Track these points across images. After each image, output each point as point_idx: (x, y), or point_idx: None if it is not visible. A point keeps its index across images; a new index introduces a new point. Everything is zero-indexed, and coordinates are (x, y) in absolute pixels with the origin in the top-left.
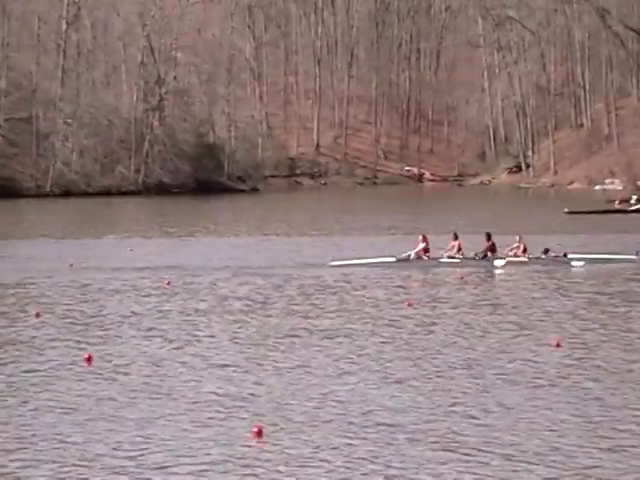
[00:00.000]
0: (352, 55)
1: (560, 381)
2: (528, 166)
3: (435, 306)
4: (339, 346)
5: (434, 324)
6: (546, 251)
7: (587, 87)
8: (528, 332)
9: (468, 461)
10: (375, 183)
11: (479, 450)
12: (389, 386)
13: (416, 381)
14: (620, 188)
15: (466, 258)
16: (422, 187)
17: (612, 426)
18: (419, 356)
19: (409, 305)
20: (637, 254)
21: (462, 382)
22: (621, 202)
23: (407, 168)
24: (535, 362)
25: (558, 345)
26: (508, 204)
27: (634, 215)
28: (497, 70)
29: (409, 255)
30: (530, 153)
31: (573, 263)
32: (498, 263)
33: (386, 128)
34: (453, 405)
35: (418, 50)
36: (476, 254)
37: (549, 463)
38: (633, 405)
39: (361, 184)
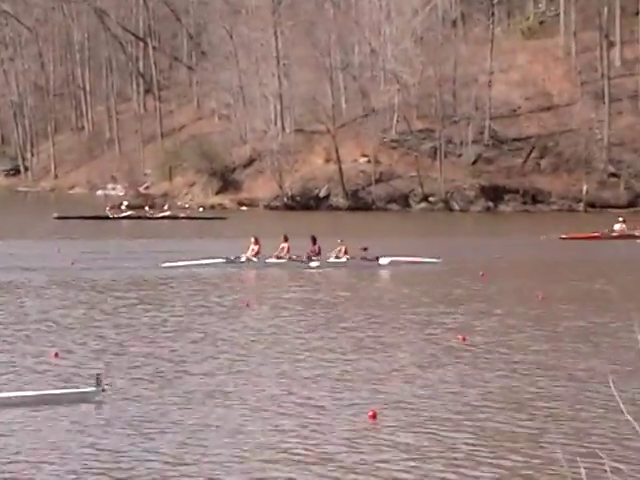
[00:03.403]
0: None
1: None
2: (27, 169)
3: None
4: None
5: None
6: (365, 249)
7: (88, 89)
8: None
9: None
10: None
11: None
12: None
13: None
14: (122, 194)
15: (293, 260)
16: None
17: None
18: None
19: None
20: (439, 257)
21: None
22: (112, 208)
23: None
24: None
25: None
26: (1, 208)
27: (125, 221)
28: None
29: (239, 257)
30: (29, 155)
31: (381, 262)
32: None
33: None
34: None
35: None
36: (299, 256)
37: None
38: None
39: None
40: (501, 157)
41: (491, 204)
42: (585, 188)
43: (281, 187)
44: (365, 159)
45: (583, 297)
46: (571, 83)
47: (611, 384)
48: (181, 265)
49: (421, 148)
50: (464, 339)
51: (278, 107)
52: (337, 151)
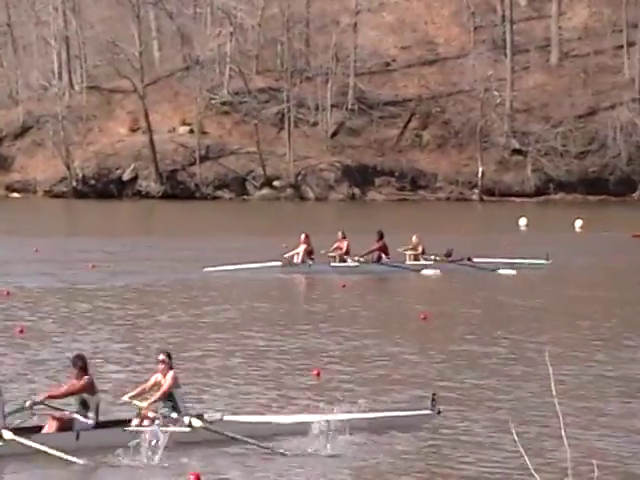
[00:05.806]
0: None
1: None
2: None
3: None
4: None
5: None
6: (449, 254)
7: None
8: None
9: None
10: None
11: None
12: None
13: None
14: None
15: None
16: None
17: None
18: None
19: None
20: (548, 258)
21: None
22: None
23: None
24: None
25: None
26: None
27: None
28: None
29: (292, 258)
30: None
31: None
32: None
33: None
34: None
35: None
36: (363, 256)
37: None
38: None
39: None
40: (370, 127)
41: (357, 191)
42: (481, 170)
43: (69, 167)
44: (186, 128)
45: None
46: (462, 28)
47: (514, 435)
48: (226, 270)
49: (263, 114)
50: (318, 374)
51: (63, 55)
52: (147, 117)
